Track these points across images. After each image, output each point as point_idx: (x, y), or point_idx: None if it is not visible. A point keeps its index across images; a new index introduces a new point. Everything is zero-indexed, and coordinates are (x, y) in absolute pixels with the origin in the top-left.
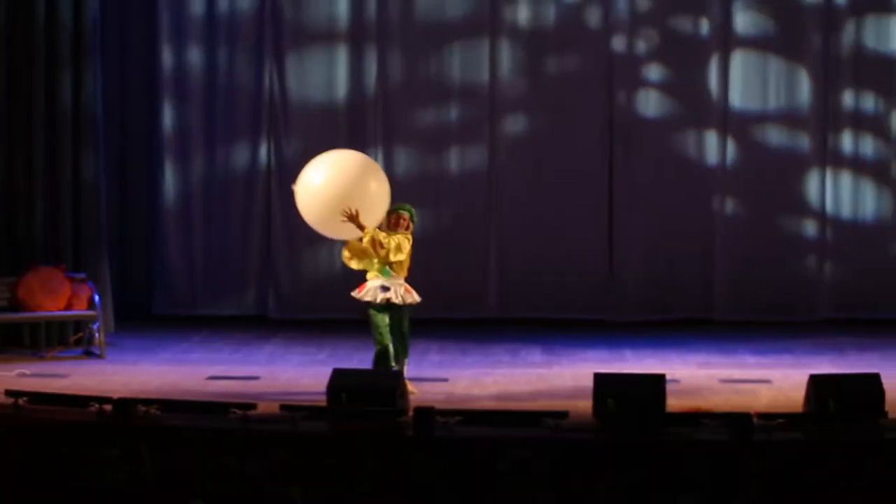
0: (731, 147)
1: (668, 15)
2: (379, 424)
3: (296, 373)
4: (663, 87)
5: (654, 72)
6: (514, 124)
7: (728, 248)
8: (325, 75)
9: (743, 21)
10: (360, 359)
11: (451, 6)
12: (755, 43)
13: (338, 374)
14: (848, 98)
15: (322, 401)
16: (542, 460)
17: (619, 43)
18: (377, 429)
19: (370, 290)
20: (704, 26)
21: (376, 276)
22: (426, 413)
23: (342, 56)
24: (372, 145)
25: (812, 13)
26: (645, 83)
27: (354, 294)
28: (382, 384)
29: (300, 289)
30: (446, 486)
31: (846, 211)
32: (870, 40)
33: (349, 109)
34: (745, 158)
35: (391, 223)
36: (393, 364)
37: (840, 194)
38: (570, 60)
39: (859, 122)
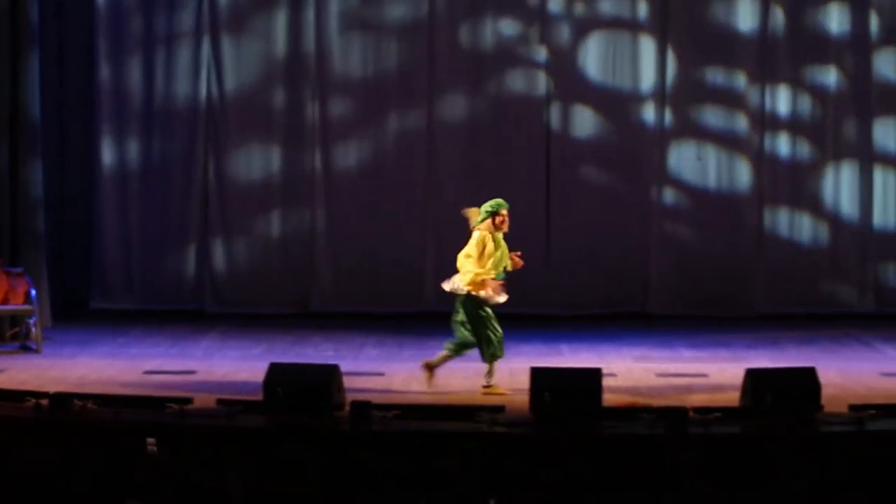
0: (685, 153)
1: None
2: (315, 419)
3: (232, 367)
4: (598, 78)
5: (590, 66)
6: (451, 119)
7: (664, 242)
8: (263, 74)
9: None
10: (297, 353)
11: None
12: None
13: (274, 369)
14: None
15: (258, 395)
16: (479, 454)
17: (554, 33)
18: (314, 423)
19: (496, 291)
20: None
21: (494, 277)
22: (363, 407)
23: (279, 51)
24: (309, 141)
25: None
26: (580, 76)
27: (479, 294)
28: (319, 379)
29: (237, 283)
30: (383, 481)
31: (784, 204)
32: None
33: (286, 106)
34: (682, 151)
35: (497, 223)
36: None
37: (776, 183)
38: (505, 55)
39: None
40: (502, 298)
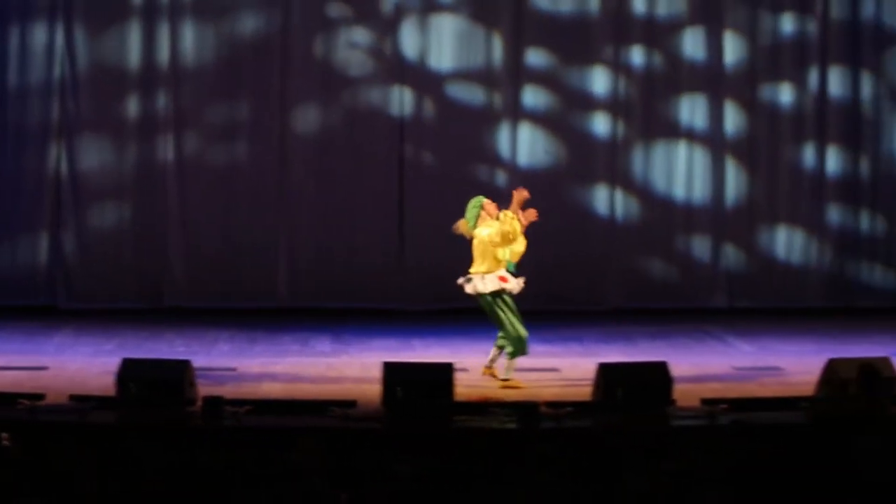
0: (522, 136)
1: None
2: (168, 414)
3: (85, 363)
4: (457, 73)
5: (445, 60)
6: (305, 117)
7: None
8: (118, 55)
9: None
10: (150, 349)
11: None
12: None
13: (127, 365)
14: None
15: (111, 391)
16: (331, 449)
17: (407, 37)
18: (166, 418)
19: (512, 280)
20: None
21: (505, 267)
22: (215, 403)
23: (135, 35)
24: (162, 138)
25: None
26: (434, 72)
27: (498, 286)
28: (171, 374)
29: (90, 278)
30: (234, 477)
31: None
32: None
33: (140, 92)
34: (534, 152)
35: (490, 213)
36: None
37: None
38: (359, 55)
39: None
40: (520, 285)
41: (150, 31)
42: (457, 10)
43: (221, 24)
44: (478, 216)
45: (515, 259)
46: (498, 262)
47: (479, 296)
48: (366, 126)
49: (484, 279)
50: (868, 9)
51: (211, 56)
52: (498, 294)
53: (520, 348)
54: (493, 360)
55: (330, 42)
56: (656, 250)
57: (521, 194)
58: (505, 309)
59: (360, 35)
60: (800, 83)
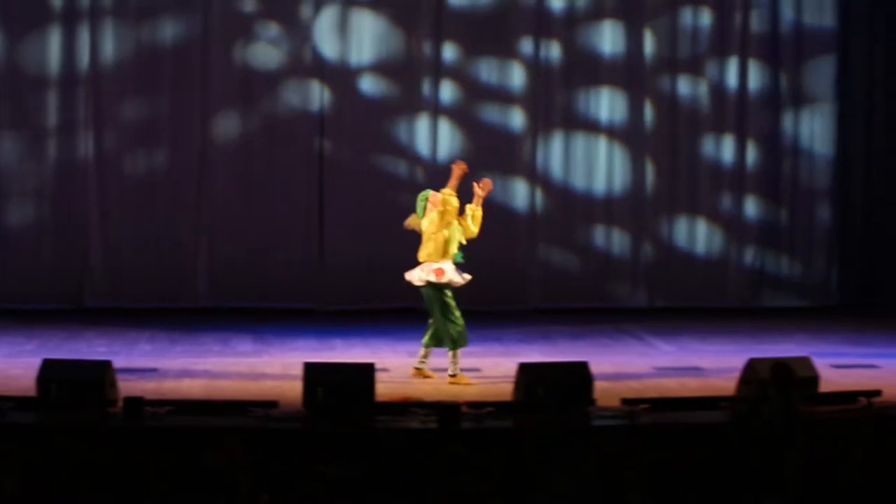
0: (441, 131)
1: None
2: (88, 415)
3: (5, 363)
4: (376, 73)
5: (363, 55)
6: (224, 116)
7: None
8: (38, 54)
9: None
10: (70, 349)
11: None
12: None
13: (47, 365)
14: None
15: (32, 391)
16: (252, 449)
17: (324, 33)
18: (87, 419)
19: (451, 272)
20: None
21: (449, 259)
22: (135, 403)
23: (55, 37)
24: (83, 132)
25: None
26: (356, 71)
27: (433, 279)
28: (91, 375)
29: (9, 279)
30: (155, 477)
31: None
32: None
33: (60, 94)
34: (457, 147)
35: (434, 204)
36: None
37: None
38: (277, 54)
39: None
40: (463, 280)
41: (71, 34)
42: (375, 6)
43: (141, 28)
44: (425, 208)
45: (475, 230)
46: (442, 253)
47: (420, 287)
48: (285, 125)
49: (422, 270)
50: (786, 5)
51: (131, 58)
52: (441, 287)
53: (460, 341)
54: (422, 361)
55: (249, 41)
56: (576, 248)
57: (459, 168)
58: (444, 303)
59: (278, 33)
60: (719, 77)
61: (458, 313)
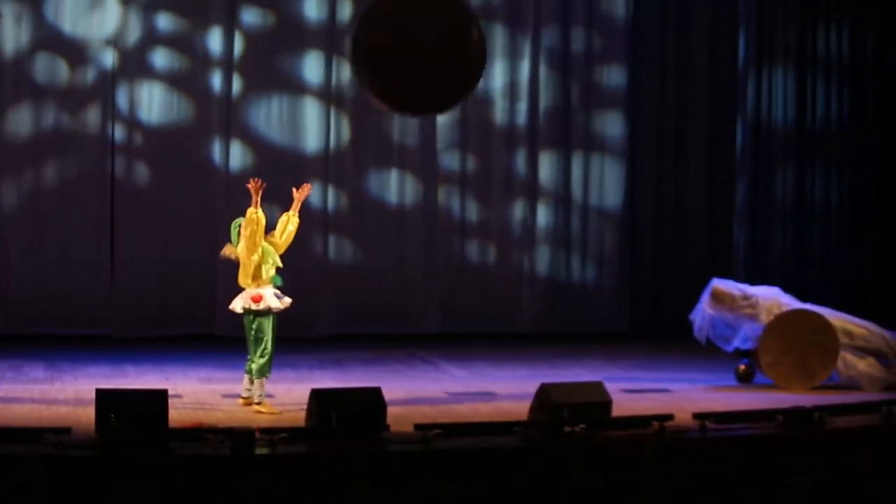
0: (235, 151)
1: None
2: None
3: None
4: (165, 82)
5: (157, 62)
6: (15, 126)
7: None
8: None
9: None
10: None
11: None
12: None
13: None
14: None
15: None
16: (44, 477)
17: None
18: None
19: (270, 298)
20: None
21: (269, 284)
22: None
23: None
24: None
25: None
26: (147, 74)
27: (251, 306)
28: None
29: None
30: None
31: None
32: None
33: None
34: (252, 163)
35: (244, 231)
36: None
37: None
38: (75, 73)
39: None
40: (283, 304)
41: None
42: None
43: None
44: (239, 235)
45: (281, 242)
46: (257, 279)
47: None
48: (76, 143)
49: (241, 297)
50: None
51: None
52: (261, 314)
53: (266, 369)
54: (248, 390)
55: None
56: (367, 274)
57: (255, 184)
58: (260, 330)
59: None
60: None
61: (271, 343)
